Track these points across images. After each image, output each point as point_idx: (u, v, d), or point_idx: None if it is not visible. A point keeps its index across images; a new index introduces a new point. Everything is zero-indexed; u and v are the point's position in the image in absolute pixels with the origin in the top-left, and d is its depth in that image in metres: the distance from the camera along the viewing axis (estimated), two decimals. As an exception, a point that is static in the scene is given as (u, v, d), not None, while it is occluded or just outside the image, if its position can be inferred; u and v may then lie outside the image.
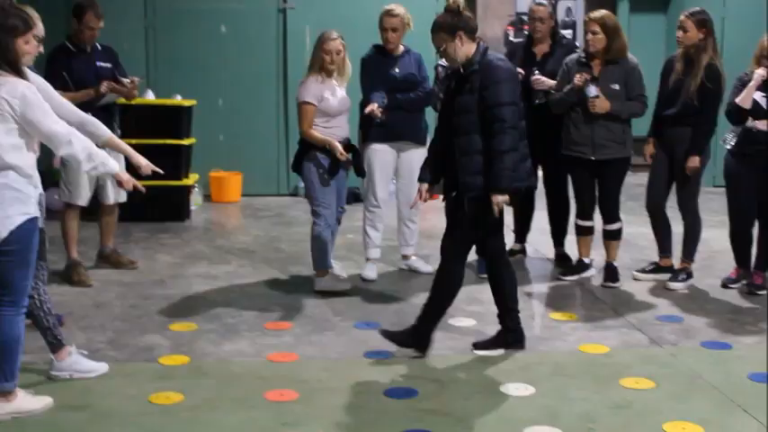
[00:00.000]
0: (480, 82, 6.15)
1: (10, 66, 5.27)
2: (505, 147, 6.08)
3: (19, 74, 5.30)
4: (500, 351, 6.55)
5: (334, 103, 7.78)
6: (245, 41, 12.63)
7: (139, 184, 5.85)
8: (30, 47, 5.44)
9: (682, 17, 7.87)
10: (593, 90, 7.83)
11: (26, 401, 5.47)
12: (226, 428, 5.32)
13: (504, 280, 6.61)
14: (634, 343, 6.84)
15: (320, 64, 7.80)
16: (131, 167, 6.11)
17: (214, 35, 12.53)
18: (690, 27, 7.82)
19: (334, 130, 7.80)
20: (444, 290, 6.45)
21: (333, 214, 7.90)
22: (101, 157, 5.49)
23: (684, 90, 7.83)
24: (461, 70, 6.29)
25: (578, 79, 7.90)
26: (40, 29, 6.17)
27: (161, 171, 6.13)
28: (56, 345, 5.95)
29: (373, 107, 7.90)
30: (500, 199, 6.14)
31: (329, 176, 7.78)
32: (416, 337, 6.48)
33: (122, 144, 6.12)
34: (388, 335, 6.53)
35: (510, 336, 6.61)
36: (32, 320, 5.87)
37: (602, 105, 7.83)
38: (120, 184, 5.83)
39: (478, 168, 6.17)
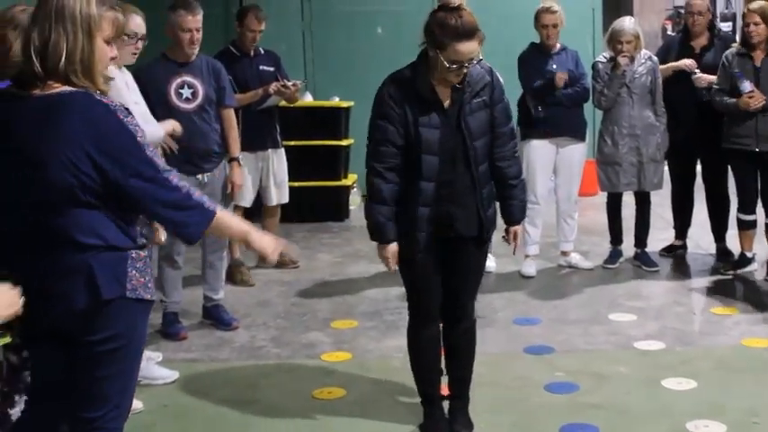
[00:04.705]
0: None
1: None
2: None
3: None
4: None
5: None
6: (402, 42, 12.61)
7: None
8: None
9: None
10: (747, 85, 7.67)
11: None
12: (388, 423, 5.40)
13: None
14: (799, 337, 6.72)
15: None
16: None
17: (371, 36, 12.60)
18: None
19: None
20: None
21: None
22: None
23: None
24: None
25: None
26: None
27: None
28: None
29: (564, 74, 8.00)
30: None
31: None
32: None
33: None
34: None
35: None
36: None
37: (757, 101, 7.69)
38: None
39: None
